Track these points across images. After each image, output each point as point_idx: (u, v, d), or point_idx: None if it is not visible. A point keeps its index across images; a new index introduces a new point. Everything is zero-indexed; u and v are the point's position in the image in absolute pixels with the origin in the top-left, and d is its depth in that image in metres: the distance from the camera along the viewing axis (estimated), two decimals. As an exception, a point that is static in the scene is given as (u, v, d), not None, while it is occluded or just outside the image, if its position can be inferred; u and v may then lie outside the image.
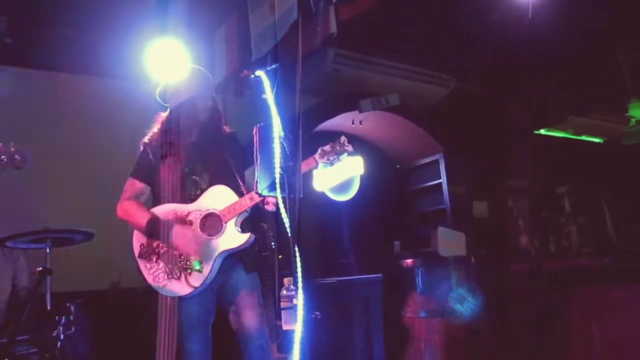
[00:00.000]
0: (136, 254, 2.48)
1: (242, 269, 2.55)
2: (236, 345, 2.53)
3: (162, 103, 2.69)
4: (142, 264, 2.46)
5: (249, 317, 2.47)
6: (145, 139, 2.64)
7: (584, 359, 3.58)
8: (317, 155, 2.51)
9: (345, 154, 2.54)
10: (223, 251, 2.42)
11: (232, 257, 2.49)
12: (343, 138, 2.55)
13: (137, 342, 3.23)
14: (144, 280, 2.45)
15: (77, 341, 3.01)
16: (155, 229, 2.43)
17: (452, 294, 3.65)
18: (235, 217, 2.44)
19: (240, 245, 2.43)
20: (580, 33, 4.51)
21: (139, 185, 2.57)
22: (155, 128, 2.65)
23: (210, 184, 2.51)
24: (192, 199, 2.50)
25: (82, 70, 4.29)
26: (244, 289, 2.52)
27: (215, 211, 2.44)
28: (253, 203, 2.43)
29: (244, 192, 2.53)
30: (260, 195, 2.30)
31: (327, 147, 2.52)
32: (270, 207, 2.47)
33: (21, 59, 4.06)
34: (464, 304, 3.62)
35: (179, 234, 2.45)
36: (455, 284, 3.75)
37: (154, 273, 2.43)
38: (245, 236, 2.43)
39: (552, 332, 3.78)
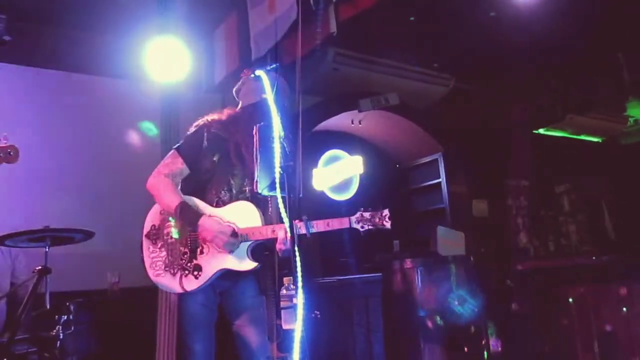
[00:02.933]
0: (144, 232, 2.43)
1: (253, 287, 2.51)
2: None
3: (236, 98, 2.59)
4: (145, 243, 2.42)
5: (254, 332, 2.44)
6: (206, 120, 2.50)
7: (584, 356, 3.58)
8: (353, 219, 2.31)
9: (383, 229, 2.31)
10: (225, 268, 2.36)
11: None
12: (386, 212, 2.32)
13: (136, 340, 3.24)
14: (142, 261, 2.40)
15: (76, 340, 3.01)
16: (184, 216, 2.34)
17: (452, 295, 3.65)
18: (251, 242, 2.36)
19: (244, 270, 2.37)
20: (579, 32, 4.52)
21: (181, 165, 2.45)
22: (220, 116, 2.52)
23: (240, 194, 2.44)
24: (218, 203, 2.42)
25: (82, 68, 4.29)
26: (251, 303, 2.48)
27: (235, 227, 2.35)
28: (273, 236, 2.32)
29: (271, 217, 2.45)
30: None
31: (367, 215, 2.31)
32: (279, 247, 2.34)
33: (20, 56, 4.06)
34: (465, 305, 3.62)
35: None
36: (455, 284, 3.75)
37: (153, 258, 2.39)
38: (252, 264, 2.35)
39: (551, 330, 3.78)
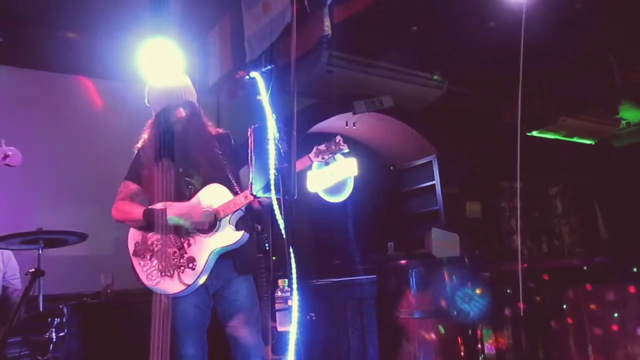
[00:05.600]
0: (130, 252, 2.48)
1: (235, 270, 2.52)
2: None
3: (149, 106, 2.70)
4: (136, 262, 2.46)
5: (247, 333, 2.45)
6: (138, 144, 2.65)
7: (577, 358, 3.60)
8: (312, 154, 2.51)
9: (340, 153, 2.53)
10: (216, 248, 2.41)
11: (227, 260, 2.48)
12: (338, 138, 2.54)
13: (130, 343, 3.22)
14: (138, 278, 2.44)
15: (69, 343, 2.99)
16: (152, 220, 2.42)
17: (459, 293, 3.65)
18: (230, 215, 2.44)
19: (234, 243, 2.43)
20: (571, 35, 4.55)
21: (133, 186, 2.57)
22: (146, 133, 2.66)
23: (204, 184, 2.51)
24: (188, 198, 2.49)
25: (75, 70, 4.27)
26: (244, 303, 2.50)
27: (210, 209, 2.44)
28: (248, 201, 2.42)
29: (238, 191, 2.52)
30: (255, 196, 2.30)
31: (322, 147, 2.51)
32: (256, 205, 2.47)
33: (13, 58, 4.04)
34: (471, 303, 3.62)
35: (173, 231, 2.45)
36: (449, 284, 3.75)
37: (147, 271, 2.42)
38: (239, 234, 2.43)
39: (544, 332, 3.80)
